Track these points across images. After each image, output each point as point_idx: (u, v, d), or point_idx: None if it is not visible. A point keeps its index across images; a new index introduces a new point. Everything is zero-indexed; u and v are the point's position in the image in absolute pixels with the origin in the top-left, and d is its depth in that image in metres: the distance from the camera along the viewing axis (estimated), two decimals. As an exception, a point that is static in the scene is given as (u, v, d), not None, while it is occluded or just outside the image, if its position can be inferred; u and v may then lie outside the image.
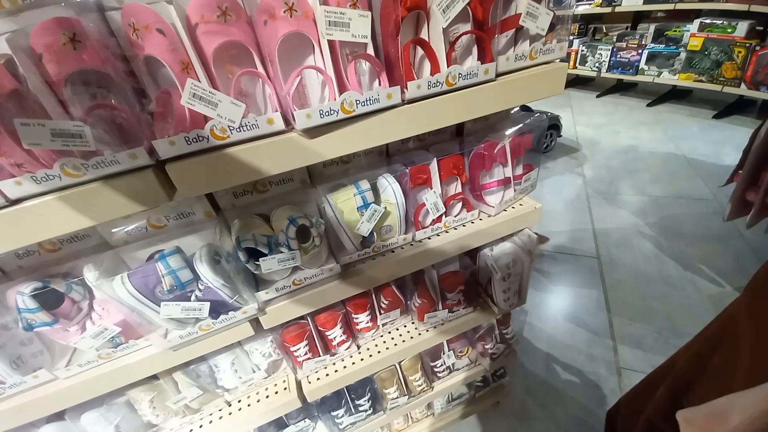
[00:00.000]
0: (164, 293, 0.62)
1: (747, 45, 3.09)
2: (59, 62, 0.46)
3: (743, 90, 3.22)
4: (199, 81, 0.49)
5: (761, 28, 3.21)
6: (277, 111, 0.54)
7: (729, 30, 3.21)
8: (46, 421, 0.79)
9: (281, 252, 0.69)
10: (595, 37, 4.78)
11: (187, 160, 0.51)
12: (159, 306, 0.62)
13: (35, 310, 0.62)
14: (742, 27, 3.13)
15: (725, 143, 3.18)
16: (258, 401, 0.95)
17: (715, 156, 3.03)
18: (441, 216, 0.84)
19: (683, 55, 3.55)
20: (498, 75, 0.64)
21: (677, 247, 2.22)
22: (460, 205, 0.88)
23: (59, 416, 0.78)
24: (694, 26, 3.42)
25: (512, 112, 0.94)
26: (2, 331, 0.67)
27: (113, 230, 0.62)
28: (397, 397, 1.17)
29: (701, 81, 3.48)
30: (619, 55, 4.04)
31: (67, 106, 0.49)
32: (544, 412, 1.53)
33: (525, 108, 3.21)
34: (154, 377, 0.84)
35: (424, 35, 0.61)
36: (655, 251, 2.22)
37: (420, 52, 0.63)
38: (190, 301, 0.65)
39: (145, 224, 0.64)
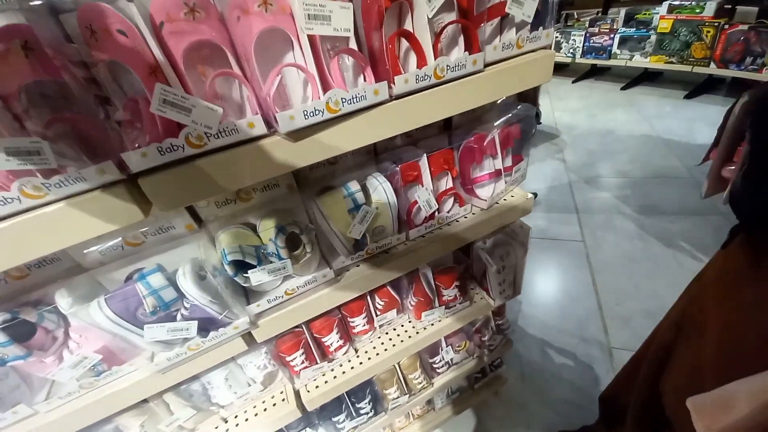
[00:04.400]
0: (147, 315, 0.58)
1: (716, 24, 3.17)
2: (11, 73, 0.41)
3: (713, 69, 3.32)
4: (170, 85, 0.45)
5: (729, 6, 3.30)
6: (257, 114, 0.50)
7: (697, 10, 3.29)
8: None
9: (271, 262, 0.65)
10: (568, 24, 4.84)
11: (161, 173, 0.47)
12: (142, 329, 0.57)
13: (6, 343, 0.56)
14: (711, 6, 3.21)
15: (697, 122, 3.28)
16: (256, 415, 0.92)
17: (688, 135, 3.12)
18: (434, 213, 0.82)
19: (654, 38, 3.62)
20: (486, 65, 0.62)
21: (659, 225, 2.29)
22: (452, 200, 0.87)
23: (43, 450, 0.73)
24: (663, 8, 3.49)
25: (498, 101, 0.93)
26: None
27: (85, 251, 0.57)
28: (398, 397, 1.16)
29: (672, 62, 3.57)
30: (592, 41, 4.10)
31: (24, 121, 0.44)
32: (540, 397, 1.55)
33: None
34: (144, 400, 0.79)
35: (408, 26, 0.58)
36: (638, 231, 2.28)
37: (404, 44, 0.60)
38: (176, 320, 0.61)
39: (121, 243, 0.59)
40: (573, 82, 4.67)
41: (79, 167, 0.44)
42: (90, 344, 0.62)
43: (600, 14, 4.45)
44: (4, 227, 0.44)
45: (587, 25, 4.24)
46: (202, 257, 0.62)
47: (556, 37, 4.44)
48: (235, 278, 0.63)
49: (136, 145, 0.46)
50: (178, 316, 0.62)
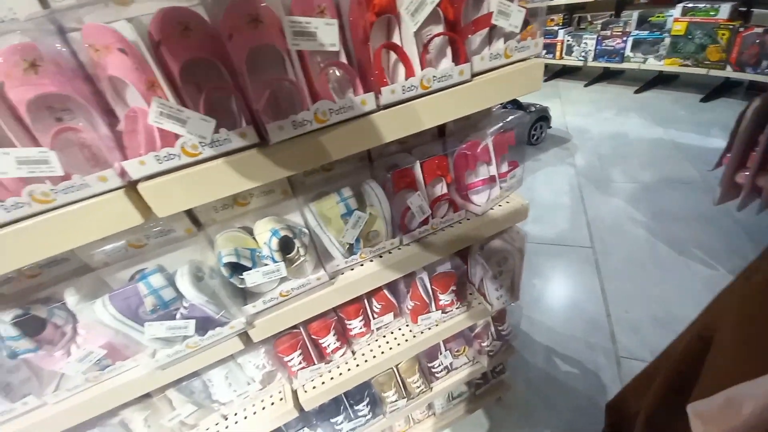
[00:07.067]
0: (148, 314, 0.61)
1: (731, 27, 3.10)
2: (20, 89, 0.45)
3: (729, 72, 3.23)
4: (167, 98, 0.49)
5: (744, 9, 3.23)
6: (250, 124, 0.53)
7: (712, 13, 3.22)
8: (40, 447, 0.78)
9: (266, 264, 0.68)
10: (580, 27, 4.79)
11: (159, 179, 0.51)
12: (143, 327, 0.61)
13: (17, 337, 0.61)
14: (725, 9, 3.14)
15: (713, 126, 3.20)
16: (254, 413, 0.94)
17: (702, 139, 3.04)
18: (427, 218, 0.83)
19: (668, 41, 3.56)
20: (474, 75, 0.64)
21: (670, 231, 2.24)
22: (446, 206, 0.88)
23: (52, 441, 0.77)
24: (677, 11, 3.43)
25: (494, 109, 0.94)
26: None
27: (92, 252, 0.61)
28: (396, 400, 1.17)
29: (687, 65, 3.50)
30: (604, 44, 4.05)
31: (33, 132, 0.48)
32: (545, 404, 1.53)
33: (513, 101, 3.21)
34: (147, 395, 0.83)
35: (396, 38, 0.60)
36: (648, 237, 2.23)
37: (394, 55, 0.62)
38: (175, 319, 0.64)
39: (125, 245, 0.63)
40: (585, 85, 4.61)
41: (83, 174, 0.47)
42: (95, 340, 0.66)
43: (612, 17, 4.39)
44: (16, 229, 0.48)
45: (599, 28, 4.19)
46: (200, 259, 0.65)
47: (568, 40, 4.40)
48: (231, 279, 0.66)
49: (136, 154, 0.49)
50: (177, 315, 0.65)
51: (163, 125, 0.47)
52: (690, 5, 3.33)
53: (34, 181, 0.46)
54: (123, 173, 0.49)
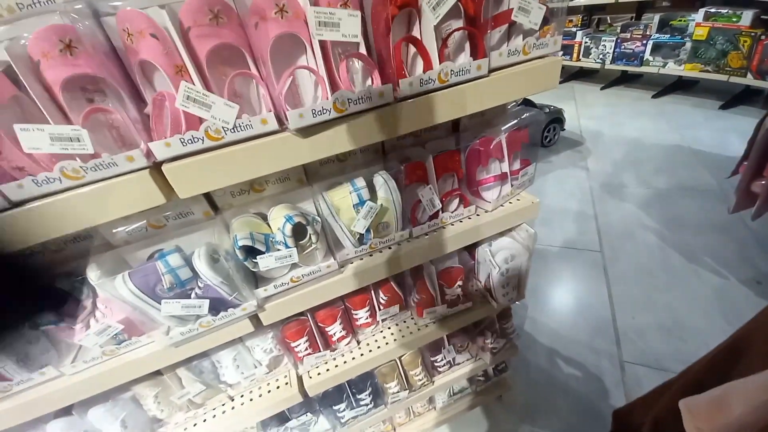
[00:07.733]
0: (165, 291, 0.63)
1: (752, 34, 3.03)
2: (56, 68, 0.47)
3: (749, 80, 3.16)
4: (193, 83, 0.50)
5: (766, 18, 3.15)
6: (270, 111, 0.55)
7: (734, 19, 3.15)
8: (54, 417, 0.82)
9: (278, 250, 0.70)
10: (599, 28, 4.71)
11: (183, 161, 0.52)
12: (160, 304, 0.63)
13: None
14: (747, 16, 3.07)
15: (731, 133, 3.13)
16: (260, 396, 0.96)
17: (720, 146, 2.99)
18: (437, 212, 0.84)
19: (689, 45, 3.48)
20: (491, 70, 0.64)
21: (681, 238, 2.21)
22: (456, 201, 0.89)
23: (66, 411, 0.80)
24: (699, 15, 3.36)
25: (509, 106, 0.94)
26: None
27: (114, 230, 0.64)
28: (398, 392, 1.18)
29: (707, 71, 3.43)
30: (623, 46, 3.98)
31: (66, 111, 0.50)
32: (546, 405, 1.54)
33: (527, 102, 3.19)
34: (158, 373, 0.86)
35: (416, 32, 0.61)
36: (659, 243, 2.21)
37: (413, 48, 0.63)
38: (190, 298, 0.67)
39: (145, 225, 0.65)
40: (602, 88, 4.54)
41: (111, 153, 0.49)
42: (113, 315, 0.68)
43: (633, 20, 4.31)
44: (46, 203, 0.50)
45: (619, 31, 4.12)
46: (216, 242, 0.67)
47: (586, 42, 4.33)
48: (245, 262, 0.68)
49: (161, 136, 0.51)
50: (192, 295, 0.67)
51: (189, 109, 0.49)
52: (713, 10, 3.26)
53: (65, 157, 0.49)
54: (149, 154, 0.51)
